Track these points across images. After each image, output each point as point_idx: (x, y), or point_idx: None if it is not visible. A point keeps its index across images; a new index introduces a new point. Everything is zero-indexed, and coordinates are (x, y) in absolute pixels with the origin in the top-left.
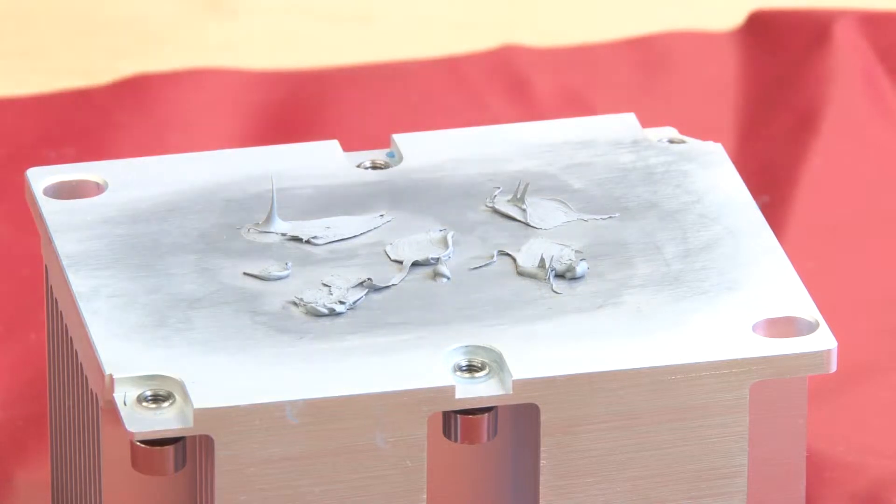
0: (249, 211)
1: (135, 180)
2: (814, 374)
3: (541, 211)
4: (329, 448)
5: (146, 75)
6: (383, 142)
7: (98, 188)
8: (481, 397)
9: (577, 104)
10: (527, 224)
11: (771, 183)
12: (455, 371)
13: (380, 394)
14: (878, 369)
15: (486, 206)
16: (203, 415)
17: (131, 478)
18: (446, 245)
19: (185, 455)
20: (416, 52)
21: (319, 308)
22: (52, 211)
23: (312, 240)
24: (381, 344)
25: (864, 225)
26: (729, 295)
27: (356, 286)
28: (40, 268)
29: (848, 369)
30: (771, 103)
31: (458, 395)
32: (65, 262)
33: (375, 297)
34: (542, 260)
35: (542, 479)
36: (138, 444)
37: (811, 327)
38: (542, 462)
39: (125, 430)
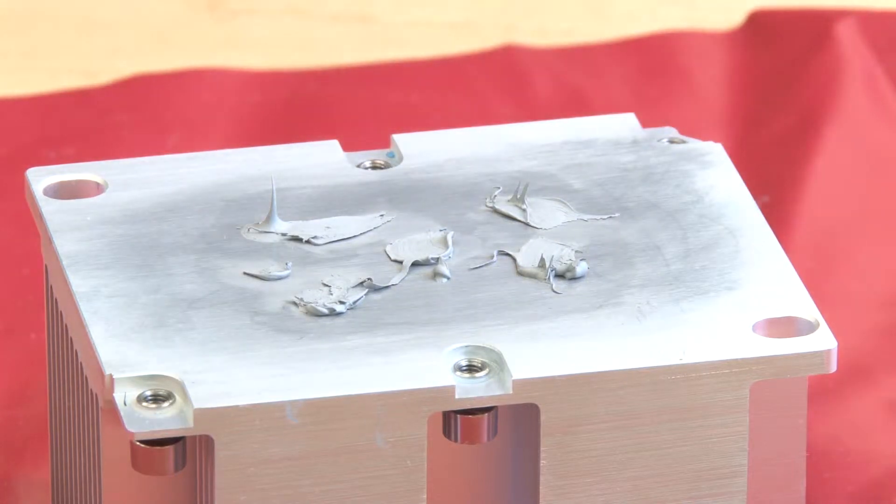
0: (249, 211)
1: (135, 180)
2: (814, 374)
3: (541, 211)
4: (329, 448)
5: (146, 75)
6: (383, 142)
7: (98, 188)
8: (481, 397)
9: (577, 104)
10: (527, 224)
11: (771, 183)
12: (455, 371)
13: (380, 394)
14: (878, 369)
15: (486, 206)
16: (203, 415)
17: (131, 478)
18: (446, 245)
19: (185, 455)
20: (416, 52)
21: (319, 308)
22: (52, 211)
23: (312, 240)
24: (381, 344)
25: (864, 225)
26: (729, 295)
27: (356, 286)
28: (40, 268)
29: (848, 369)
30: (771, 103)
31: (458, 395)
32: (65, 262)
33: (375, 297)
34: (542, 260)
35: (542, 479)
36: (138, 443)
37: (811, 327)
38: (542, 462)
39: (125, 430)
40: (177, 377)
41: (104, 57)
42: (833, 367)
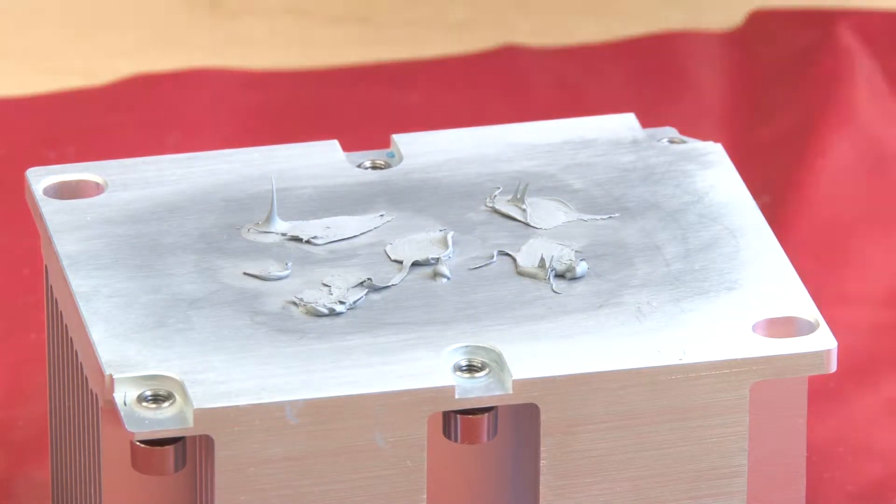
0: (249, 211)
1: (135, 180)
2: (814, 374)
3: (541, 211)
4: (329, 448)
5: (146, 75)
6: (383, 142)
7: (98, 188)
8: (481, 397)
9: (577, 104)
10: (527, 224)
11: (771, 183)
12: (455, 371)
13: (380, 394)
14: (878, 369)
15: (486, 206)
16: (203, 415)
17: (131, 478)
18: (446, 245)
19: (185, 455)
20: (416, 52)
21: (319, 308)
22: (52, 211)
23: (312, 240)
24: (381, 344)
25: (865, 225)
26: (729, 295)
27: (356, 286)
28: (40, 268)
29: (848, 369)
30: (771, 103)
31: (458, 395)
32: (65, 262)
33: (375, 297)
34: (542, 260)
35: (542, 479)
36: (138, 443)
37: (811, 327)
38: (542, 462)
39: (125, 430)
40: (177, 377)
41: (104, 57)
42: (833, 367)
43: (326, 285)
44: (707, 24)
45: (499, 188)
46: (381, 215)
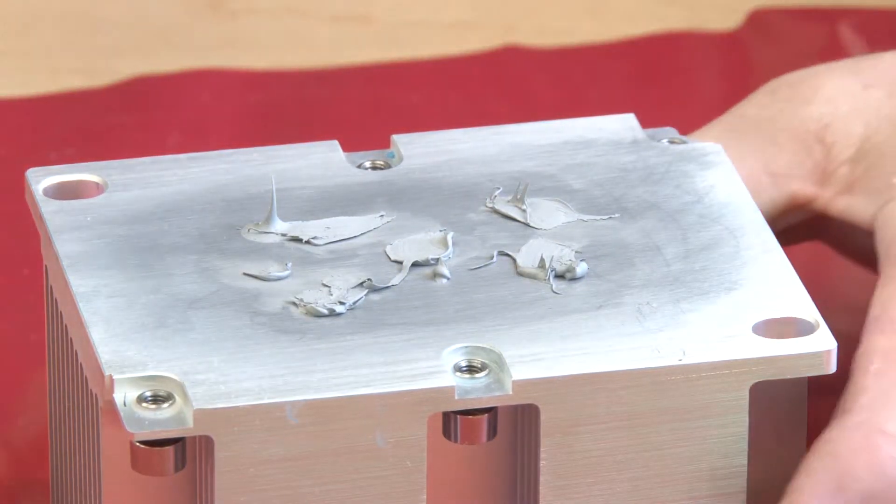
0: (249, 211)
1: (135, 180)
2: (814, 375)
3: (541, 211)
4: (329, 448)
5: (146, 75)
6: (383, 142)
7: (98, 188)
8: (481, 397)
9: (577, 104)
10: (527, 224)
11: None
12: (455, 371)
13: (380, 394)
14: None
15: (486, 206)
16: (203, 415)
17: (131, 478)
18: (446, 245)
19: (185, 455)
20: (417, 53)
21: (319, 308)
22: (52, 211)
23: (312, 240)
24: (381, 344)
25: None
26: (729, 295)
27: (356, 286)
28: (40, 268)
29: (848, 369)
30: None
31: (457, 396)
32: (65, 262)
33: (375, 297)
34: (542, 260)
35: (542, 479)
36: (138, 444)
37: (811, 328)
38: (542, 462)
39: (125, 430)
40: (177, 378)
41: (104, 57)
42: (833, 368)
43: (326, 286)
44: (707, 25)
45: (499, 188)
46: (381, 215)
